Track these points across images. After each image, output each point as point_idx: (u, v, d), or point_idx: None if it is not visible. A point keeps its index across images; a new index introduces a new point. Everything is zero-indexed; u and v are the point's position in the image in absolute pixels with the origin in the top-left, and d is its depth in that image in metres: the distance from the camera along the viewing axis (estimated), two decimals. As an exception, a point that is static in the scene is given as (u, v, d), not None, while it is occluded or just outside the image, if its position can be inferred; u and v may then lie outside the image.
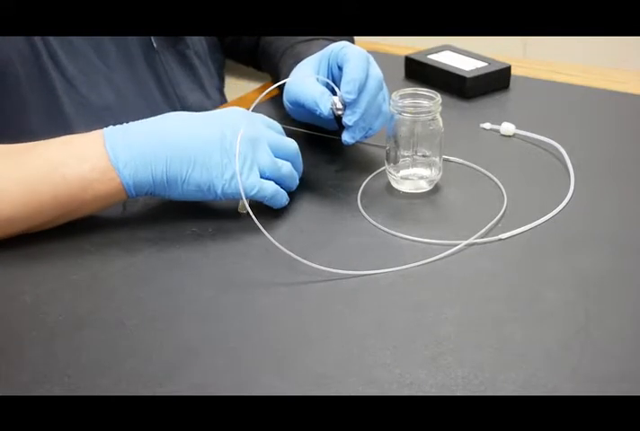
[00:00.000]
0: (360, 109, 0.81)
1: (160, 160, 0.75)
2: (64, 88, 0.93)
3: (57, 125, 0.92)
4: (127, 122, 0.78)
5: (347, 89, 0.80)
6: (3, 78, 0.89)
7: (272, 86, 0.83)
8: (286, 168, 0.80)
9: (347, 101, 0.81)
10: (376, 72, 0.84)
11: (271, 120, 0.83)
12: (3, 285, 0.73)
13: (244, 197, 0.74)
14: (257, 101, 0.78)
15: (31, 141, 0.78)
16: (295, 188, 0.83)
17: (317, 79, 0.85)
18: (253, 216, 0.72)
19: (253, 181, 0.76)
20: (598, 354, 0.63)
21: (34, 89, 0.91)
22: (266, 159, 0.77)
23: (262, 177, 0.77)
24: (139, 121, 0.78)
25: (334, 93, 0.83)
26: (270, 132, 0.80)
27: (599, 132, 0.98)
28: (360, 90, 0.81)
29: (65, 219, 0.77)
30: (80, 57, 0.94)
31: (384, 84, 0.86)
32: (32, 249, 0.76)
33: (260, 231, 0.72)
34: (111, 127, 0.77)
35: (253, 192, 0.77)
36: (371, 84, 0.82)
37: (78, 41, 0.93)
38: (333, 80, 0.86)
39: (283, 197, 0.80)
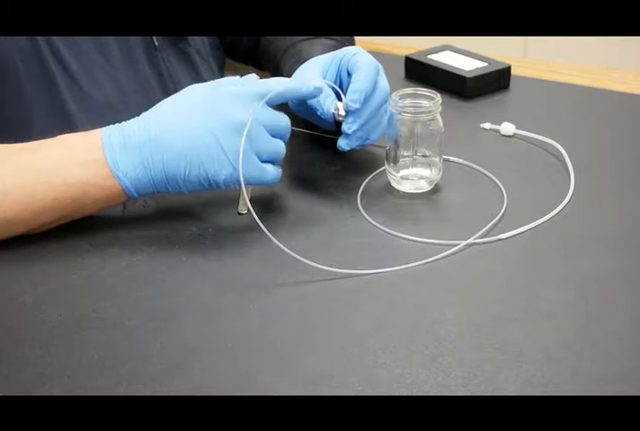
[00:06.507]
0: (360, 120, 0.81)
1: (157, 162, 0.75)
2: (66, 84, 0.93)
3: (59, 121, 0.92)
4: (128, 119, 0.78)
5: (352, 98, 0.80)
6: (4, 75, 0.89)
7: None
8: (281, 148, 0.79)
9: (350, 109, 0.81)
10: (384, 84, 0.84)
11: (263, 82, 0.80)
12: (3, 285, 0.73)
13: (247, 199, 0.74)
14: (261, 103, 0.77)
15: (33, 138, 0.78)
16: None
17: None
18: (256, 216, 0.72)
19: (253, 174, 0.75)
20: (598, 354, 0.63)
21: (36, 86, 0.91)
22: (263, 144, 0.76)
23: (260, 161, 0.76)
24: (135, 119, 0.77)
25: (339, 97, 0.83)
26: (263, 111, 0.77)
27: (599, 132, 0.98)
28: (366, 100, 0.81)
29: (65, 220, 0.77)
30: (82, 54, 0.94)
31: (389, 97, 0.86)
32: (32, 249, 0.76)
33: (260, 231, 0.72)
34: (109, 127, 0.77)
35: (254, 181, 0.76)
36: (377, 96, 0.82)
37: (80, 38, 0.93)
38: (340, 84, 0.86)
39: (279, 177, 0.79)
